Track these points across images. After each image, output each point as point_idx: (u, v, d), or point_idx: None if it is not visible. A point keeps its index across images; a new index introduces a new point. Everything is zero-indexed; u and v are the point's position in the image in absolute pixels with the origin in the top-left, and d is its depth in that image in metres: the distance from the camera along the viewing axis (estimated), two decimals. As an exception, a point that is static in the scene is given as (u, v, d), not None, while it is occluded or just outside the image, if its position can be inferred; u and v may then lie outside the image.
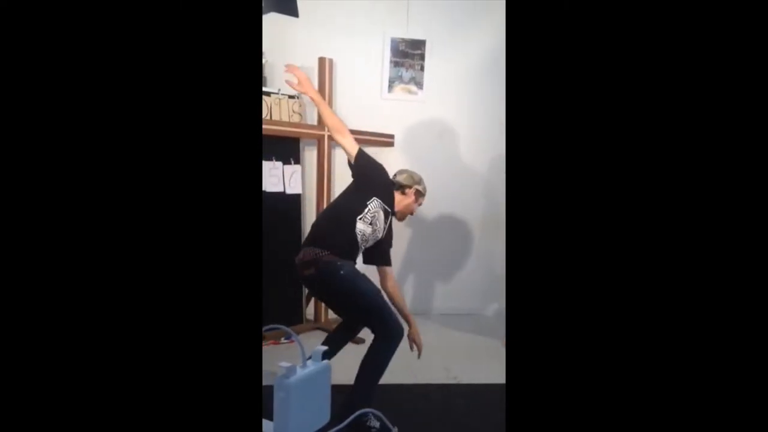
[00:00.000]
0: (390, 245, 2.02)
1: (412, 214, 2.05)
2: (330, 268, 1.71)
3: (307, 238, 1.88)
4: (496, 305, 3.34)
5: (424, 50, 3.21)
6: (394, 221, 2.00)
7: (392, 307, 1.80)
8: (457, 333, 2.91)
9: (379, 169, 1.91)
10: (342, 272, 1.70)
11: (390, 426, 1.01)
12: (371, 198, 1.85)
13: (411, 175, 2.02)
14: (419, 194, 2.01)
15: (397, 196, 1.97)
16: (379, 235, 1.91)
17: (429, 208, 3.33)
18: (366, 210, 1.82)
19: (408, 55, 3.21)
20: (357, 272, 1.77)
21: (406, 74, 3.23)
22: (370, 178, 1.89)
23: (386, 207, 1.90)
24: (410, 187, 1.99)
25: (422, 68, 3.23)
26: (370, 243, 1.90)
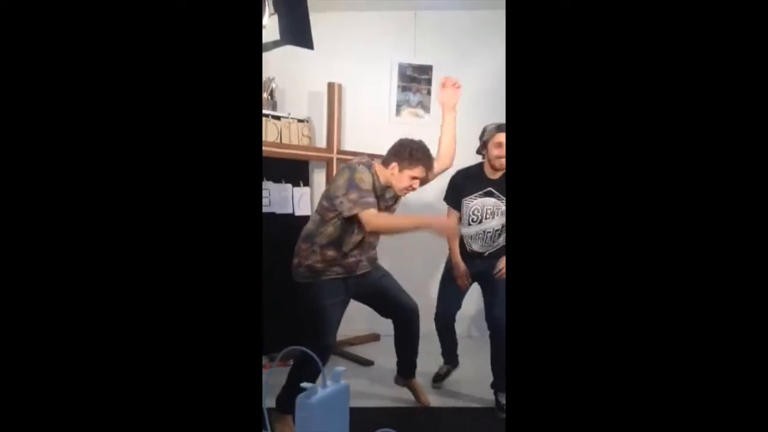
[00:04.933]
0: None
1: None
2: None
3: None
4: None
5: (431, 75, 3.27)
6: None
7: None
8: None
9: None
10: None
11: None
12: None
13: None
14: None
15: None
16: None
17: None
18: None
19: (415, 79, 3.27)
20: None
21: (414, 98, 3.29)
22: None
23: None
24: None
25: (429, 92, 3.29)
26: None
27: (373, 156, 2.00)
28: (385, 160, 1.85)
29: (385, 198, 1.89)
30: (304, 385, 0.85)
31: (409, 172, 1.81)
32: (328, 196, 1.81)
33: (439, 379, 2.41)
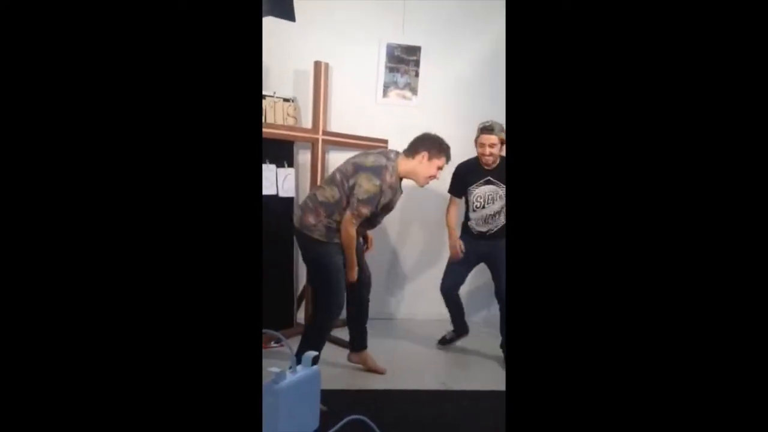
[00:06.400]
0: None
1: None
2: None
3: None
4: (485, 312, 3.36)
5: (419, 56, 3.23)
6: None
7: None
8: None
9: None
10: None
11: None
12: None
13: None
14: None
15: None
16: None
17: (422, 212, 3.34)
18: None
19: (403, 60, 3.22)
20: None
21: (401, 80, 3.24)
22: None
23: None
24: None
25: (417, 74, 3.24)
26: None
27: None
28: (412, 151, 2.10)
29: (382, 203, 2.07)
30: (272, 369, 0.84)
31: (437, 162, 2.09)
32: (351, 185, 2.01)
33: (445, 342, 2.73)
